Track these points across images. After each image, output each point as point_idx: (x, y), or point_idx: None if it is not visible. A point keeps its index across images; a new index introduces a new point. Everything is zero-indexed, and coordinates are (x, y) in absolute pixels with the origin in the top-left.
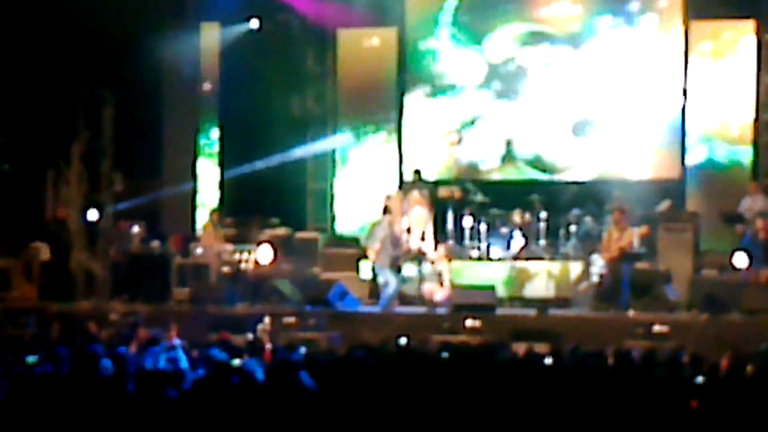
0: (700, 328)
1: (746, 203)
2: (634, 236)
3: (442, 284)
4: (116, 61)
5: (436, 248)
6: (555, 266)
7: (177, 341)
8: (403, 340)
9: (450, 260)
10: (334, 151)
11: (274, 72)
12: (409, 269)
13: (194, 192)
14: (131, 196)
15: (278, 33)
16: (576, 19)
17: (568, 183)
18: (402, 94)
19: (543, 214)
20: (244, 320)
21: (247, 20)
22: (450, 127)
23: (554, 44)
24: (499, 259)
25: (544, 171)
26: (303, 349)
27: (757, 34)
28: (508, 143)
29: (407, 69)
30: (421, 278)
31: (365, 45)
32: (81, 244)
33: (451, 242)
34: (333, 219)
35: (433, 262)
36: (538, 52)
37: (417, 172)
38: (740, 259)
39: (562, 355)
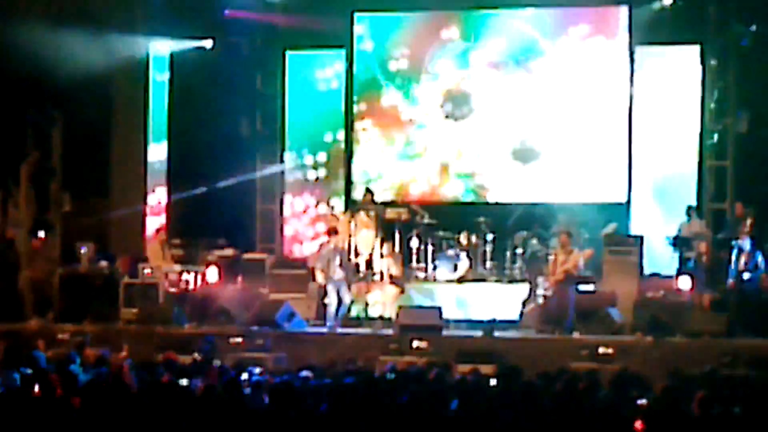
0: (645, 350)
1: (686, 227)
2: (579, 259)
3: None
4: (65, 81)
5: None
6: (501, 288)
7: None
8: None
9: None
10: (282, 173)
11: (223, 93)
12: (356, 290)
13: (143, 212)
14: (80, 217)
15: (228, 54)
16: (523, 43)
17: (514, 205)
18: (351, 116)
19: (489, 237)
20: (191, 340)
21: (199, 40)
22: (397, 149)
23: (501, 68)
24: (446, 281)
25: (487, 194)
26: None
27: (702, 59)
28: (454, 166)
29: (356, 91)
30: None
31: (315, 67)
32: (29, 264)
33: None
34: (281, 240)
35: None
36: (484, 77)
37: (369, 191)
38: (684, 282)
39: (506, 376)
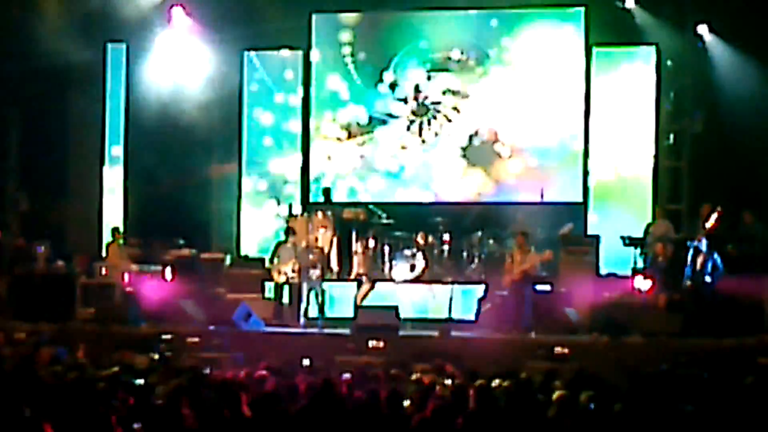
0: (601, 350)
1: (650, 227)
2: (536, 259)
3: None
4: (22, 81)
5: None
6: (458, 288)
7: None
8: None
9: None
10: (240, 172)
11: (181, 93)
12: (312, 289)
13: (100, 212)
14: (37, 216)
15: (185, 54)
16: (480, 45)
17: (470, 206)
18: (308, 115)
19: (446, 237)
20: (148, 340)
21: (157, 40)
22: (353, 149)
23: (457, 69)
24: (403, 281)
25: (443, 194)
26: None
27: (658, 60)
28: (410, 166)
29: (312, 92)
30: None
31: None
32: None
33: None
34: (238, 240)
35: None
36: (441, 79)
37: (326, 191)
38: (640, 283)
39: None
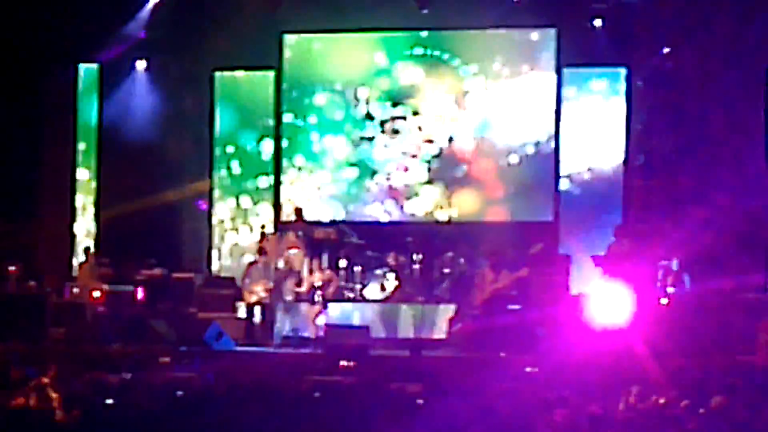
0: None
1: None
2: (508, 278)
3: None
4: None
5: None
6: (429, 308)
7: None
8: None
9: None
10: (211, 191)
11: (153, 113)
12: (285, 309)
13: (71, 232)
14: (8, 236)
15: (156, 74)
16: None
17: (442, 224)
18: (279, 135)
19: (417, 256)
20: (119, 360)
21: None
22: (326, 168)
23: (426, 90)
24: (374, 300)
25: (413, 213)
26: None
27: (628, 81)
28: (381, 185)
29: (285, 110)
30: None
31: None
32: None
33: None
34: (209, 259)
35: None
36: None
37: (298, 210)
38: None
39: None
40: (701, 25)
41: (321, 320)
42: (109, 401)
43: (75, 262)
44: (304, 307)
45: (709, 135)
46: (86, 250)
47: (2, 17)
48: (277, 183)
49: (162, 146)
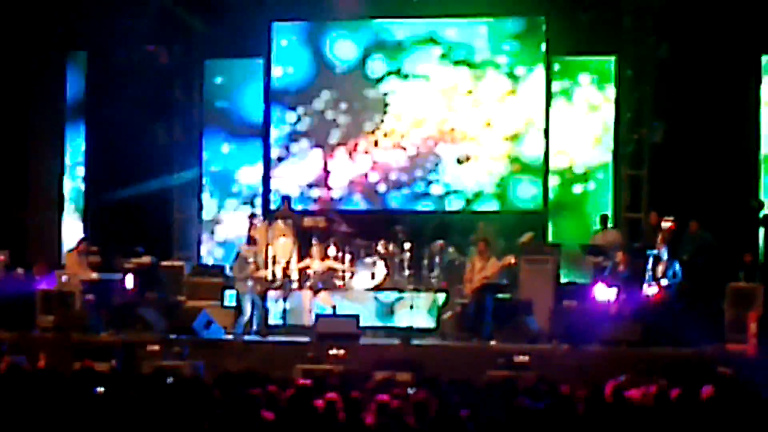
0: (560, 359)
1: (599, 236)
2: (497, 267)
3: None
4: None
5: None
6: (419, 296)
7: None
8: None
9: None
10: (200, 180)
11: (142, 101)
12: (273, 297)
13: (60, 219)
14: None
15: (146, 63)
16: (441, 55)
17: (432, 214)
18: (268, 122)
19: (407, 245)
20: (108, 348)
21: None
22: (316, 156)
23: (418, 78)
24: (364, 289)
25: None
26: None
27: (618, 70)
28: (372, 174)
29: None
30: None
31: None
32: None
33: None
34: (198, 247)
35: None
36: (404, 87)
37: (286, 199)
38: (600, 291)
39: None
40: (691, 13)
41: (311, 309)
42: (99, 389)
43: (63, 250)
44: (293, 295)
45: (698, 123)
46: (80, 240)
47: None
48: (267, 171)
49: (152, 133)
